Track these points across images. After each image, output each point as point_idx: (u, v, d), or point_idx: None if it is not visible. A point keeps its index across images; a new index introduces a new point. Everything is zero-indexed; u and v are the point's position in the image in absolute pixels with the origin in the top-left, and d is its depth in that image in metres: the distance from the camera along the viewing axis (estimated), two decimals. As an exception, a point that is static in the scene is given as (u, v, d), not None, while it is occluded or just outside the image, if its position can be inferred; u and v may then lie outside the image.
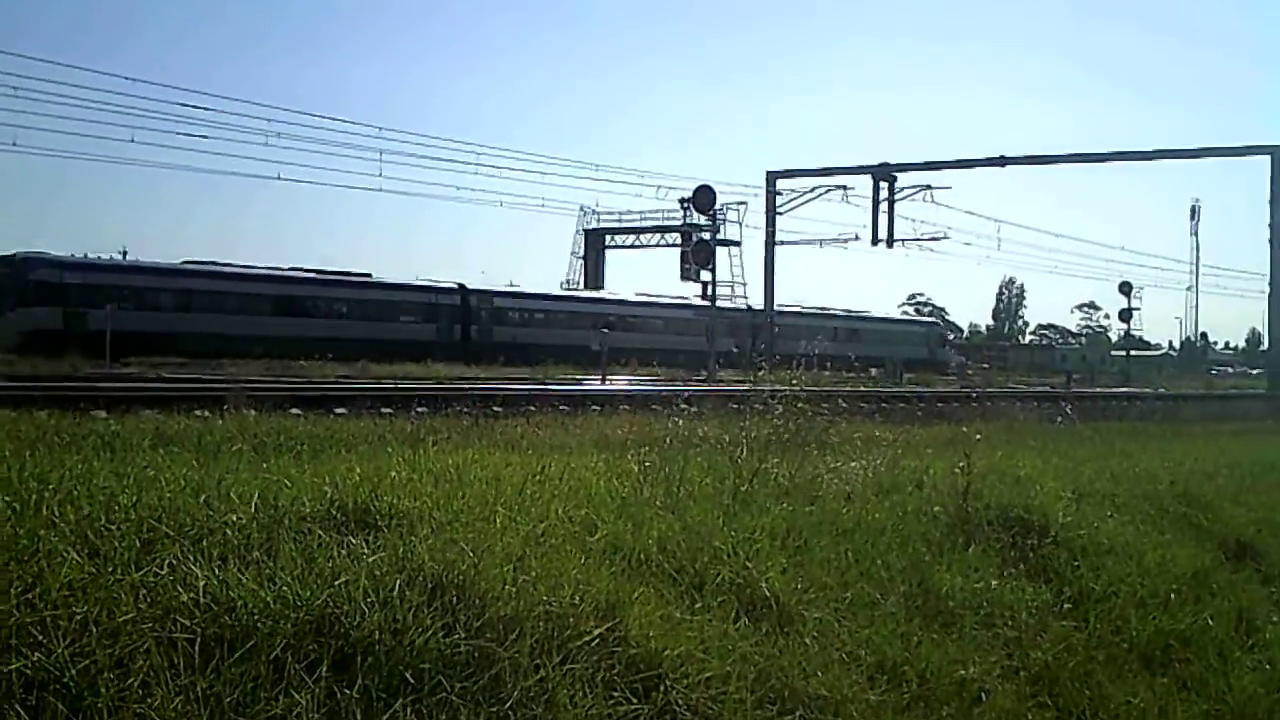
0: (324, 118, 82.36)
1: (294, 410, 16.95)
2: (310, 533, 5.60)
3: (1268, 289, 63.52)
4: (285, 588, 4.89)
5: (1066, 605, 8.27)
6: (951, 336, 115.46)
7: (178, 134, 47.27)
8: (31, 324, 44.25)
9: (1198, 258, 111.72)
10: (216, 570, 4.98)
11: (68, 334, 42.40)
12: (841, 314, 75.88)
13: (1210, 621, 8.85)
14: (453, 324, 59.22)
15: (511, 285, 66.05)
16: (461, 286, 61.54)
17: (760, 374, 14.10)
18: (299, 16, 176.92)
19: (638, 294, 69.57)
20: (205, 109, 44.88)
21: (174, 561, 4.97)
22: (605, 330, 47.64)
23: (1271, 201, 58.53)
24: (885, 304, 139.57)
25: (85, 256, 51.63)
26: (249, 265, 55.93)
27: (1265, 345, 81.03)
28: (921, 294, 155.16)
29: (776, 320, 56.85)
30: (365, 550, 5.40)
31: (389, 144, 56.91)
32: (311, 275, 57.28)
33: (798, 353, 12.82)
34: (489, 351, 52.66)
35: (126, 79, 54.40)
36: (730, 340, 56.83)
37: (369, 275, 59.82)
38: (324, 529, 5.68)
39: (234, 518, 5.67)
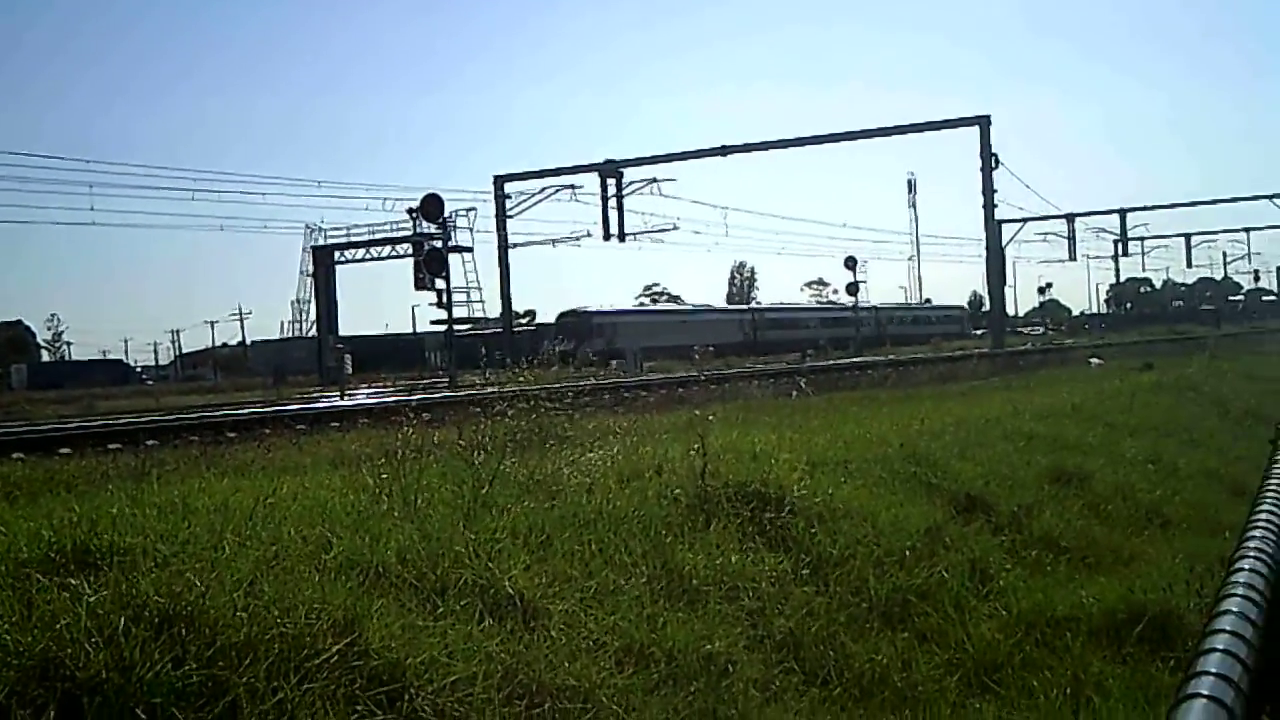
0: (27, 154, 78.58)
1: (16, 455, 16.21)
2: (28, 577, 5.40)
3: (985, 252, 66.77)
4: (4, 635, 4.74)
5: (806, 572, 8.44)
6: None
7: None
8: (598, 347, 69.68)
9: (917, 228, 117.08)
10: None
11: (611, 353, 66.37)
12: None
13: (945, 574, 9.08)
14: (754, 331, 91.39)
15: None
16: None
17: (490, 377, 14.05)
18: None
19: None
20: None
21: (-115, 621, 4.72)
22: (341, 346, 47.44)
23: (982, 170, 61.46)
24: (622, 296, 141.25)
25: (613, 307, 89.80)
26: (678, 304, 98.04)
27: (986, 306, 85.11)
28: (657, 284, 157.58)
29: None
30: (86, 590, 5.21)
31: (99, 176, 54.46)
32: (716, 306, 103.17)
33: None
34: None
35: None
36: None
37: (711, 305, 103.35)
38: (42, 572, 5.48)
39: (-53, 568, 5.42)
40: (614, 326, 79.22)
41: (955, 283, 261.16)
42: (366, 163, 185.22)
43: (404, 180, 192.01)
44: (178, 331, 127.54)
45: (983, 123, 61.25)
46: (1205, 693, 2.31)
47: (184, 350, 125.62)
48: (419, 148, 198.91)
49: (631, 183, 63.21)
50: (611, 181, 63.05)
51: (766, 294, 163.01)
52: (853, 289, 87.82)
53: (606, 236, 63.55)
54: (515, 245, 66.93)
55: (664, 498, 9.05)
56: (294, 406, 29.98)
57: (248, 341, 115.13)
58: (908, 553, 9.27)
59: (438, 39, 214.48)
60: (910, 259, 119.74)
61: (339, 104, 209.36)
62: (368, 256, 75.89)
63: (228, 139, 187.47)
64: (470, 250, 66.51)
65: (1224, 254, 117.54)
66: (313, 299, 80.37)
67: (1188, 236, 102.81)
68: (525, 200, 65.63)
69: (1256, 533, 3.59)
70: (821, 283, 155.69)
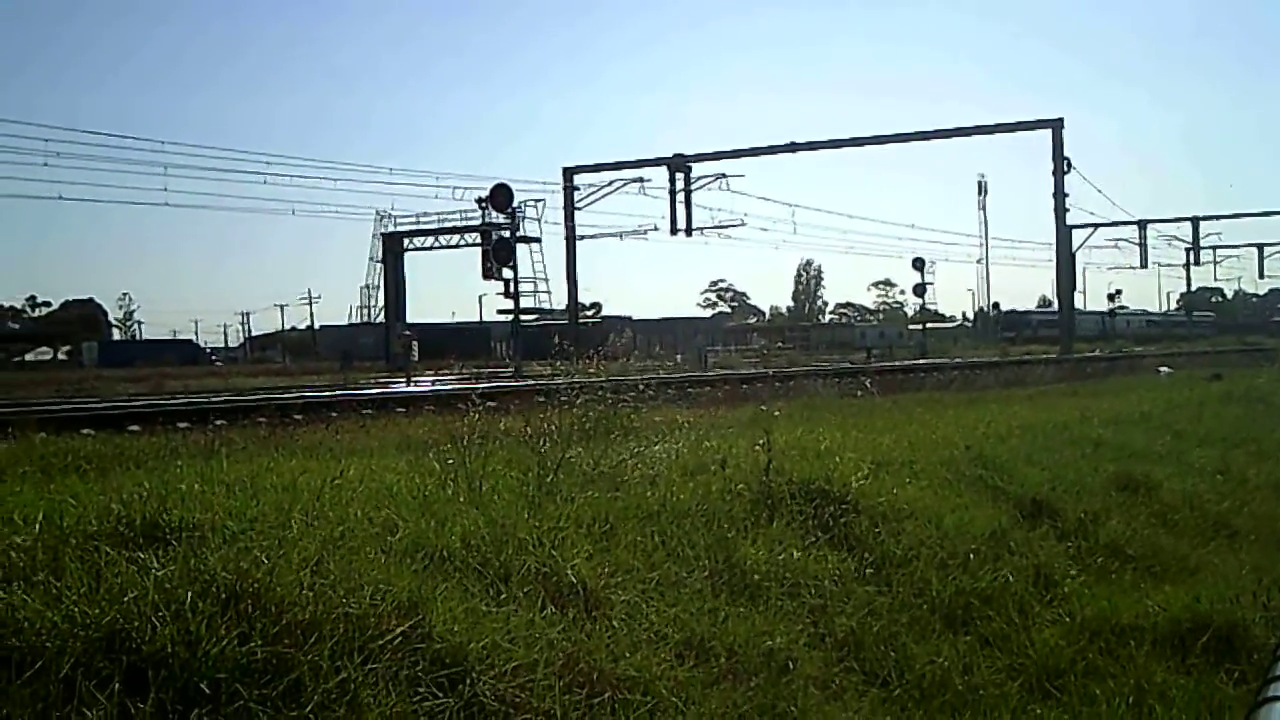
0: (104, 134, 79.33)
1: (86, 431, 16.43)
2: (97, 550, 5.44)
3: (1055, 257, 66.20)
4: (72, 606, 4.78)
5: (869, 571, 8.40)
6: (753, 319, 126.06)
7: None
8: (1028, 334, 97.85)
9: (986, 231, 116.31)
10: (1, 593, 4.84)
11: (1032, 338, 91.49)
12: None
13: (1009, 579, 9.01)
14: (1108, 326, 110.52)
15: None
16: None
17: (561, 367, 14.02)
18: (76, 43, 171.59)
19: None
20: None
21: (-44, 588, 4.79)
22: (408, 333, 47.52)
23: (1054, 173, 60.93)
24: (688, 292, 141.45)
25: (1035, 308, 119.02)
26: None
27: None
28: (723, 280, 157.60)
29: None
30: (154, 564, 5.25)
31: (173, 158, 54.88)
32: (1088, 310, 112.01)
33: None
34: None
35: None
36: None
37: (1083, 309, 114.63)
38: (111, 545, 5.53)
39: (18, 539, 5.51)
40: (1036, 321, 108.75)
41: (1024, 287, 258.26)
42: (438, 153, 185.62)
43: (470, 170, 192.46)
44: (248, 314, 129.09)
45: (1055, 126, 60.75)
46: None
47: (253, 332, 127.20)
48: (487, 138, 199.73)
49: (700, 178, 63.23)
50: (680, 176, 63.05)
51: (833, 293, 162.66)
52: (919, 290, 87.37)
53: (674, 231, 63.59)
54: (583, 237, 67.17)
55: (728, 492, 9.04)
56: (360, 391, 30.17)
57: (316, 326, 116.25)
58: (971, 556, 9.20)
59: (508, 32, 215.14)
60: (979, 261, 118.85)
61: (412, 95, 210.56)
62: (437, 245, 76.41)
63: (302, 125, 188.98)
64: (538, 241, 66.78)
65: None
66: (381, 285, 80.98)
67: (1260, 247, 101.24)
68: (593, 192, 65.81)
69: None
70: (889, 283, 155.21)
